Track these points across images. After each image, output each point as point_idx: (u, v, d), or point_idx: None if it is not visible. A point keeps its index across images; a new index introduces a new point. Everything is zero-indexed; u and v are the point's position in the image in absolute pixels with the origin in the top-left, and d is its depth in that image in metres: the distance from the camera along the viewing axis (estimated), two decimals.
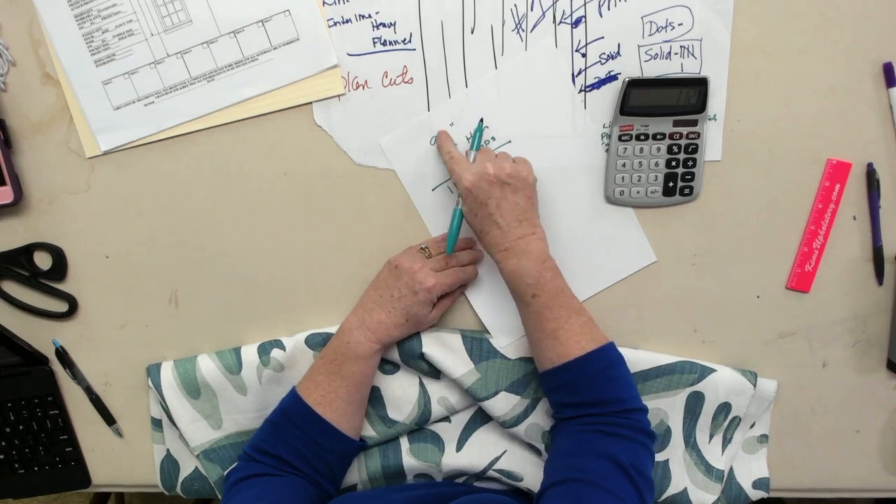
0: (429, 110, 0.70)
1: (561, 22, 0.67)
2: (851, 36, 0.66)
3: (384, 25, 0.68)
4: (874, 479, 0.77)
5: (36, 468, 0.80)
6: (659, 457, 0.74)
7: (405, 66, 0.69)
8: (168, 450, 0.78)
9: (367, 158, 0.71)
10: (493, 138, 0.70)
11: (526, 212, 0.64)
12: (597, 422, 0.60)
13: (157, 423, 0.78)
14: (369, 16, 0.67)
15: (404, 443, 0.75)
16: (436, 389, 0.74)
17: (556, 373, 0.63)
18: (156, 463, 0.79)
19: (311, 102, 0.70)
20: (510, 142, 0.70)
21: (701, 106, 0.66)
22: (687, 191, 0.69)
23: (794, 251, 0.71)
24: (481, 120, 0.68)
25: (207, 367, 0.74)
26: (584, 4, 0.66)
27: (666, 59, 0.67)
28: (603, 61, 0.68)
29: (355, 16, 0.67)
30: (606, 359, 0.62)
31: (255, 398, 0.74)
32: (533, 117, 0.69)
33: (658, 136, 0.68)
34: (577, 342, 0.62)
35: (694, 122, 0.67)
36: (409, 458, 0.74)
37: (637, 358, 0.72)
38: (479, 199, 0.63)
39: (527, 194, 0.64)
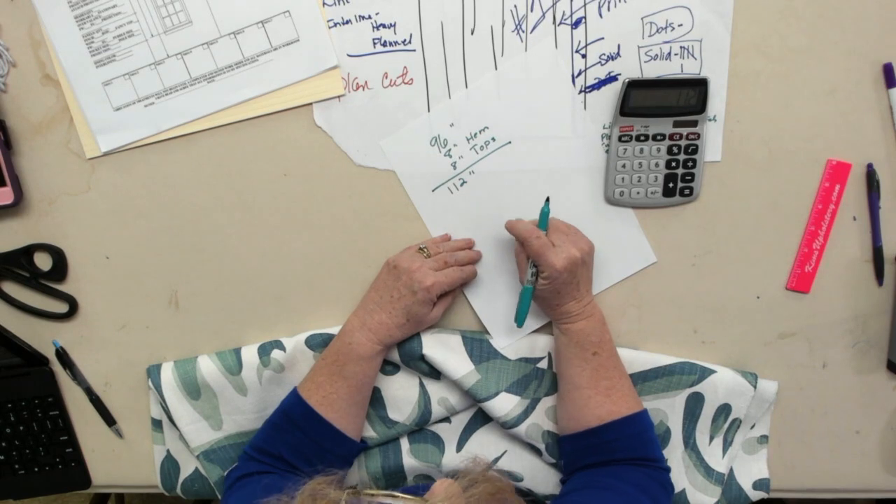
0: (429, 111, 0.70)
1: (561, 23, 0.67)
2: (851, 36, 0.66)
3: (384, 26, 0.68)
4: (874, 480, 0.77)
5: (36, 469, 0.80)
6: None
7: (405, 67, 0.69)
8: (168, 450, 0.78)
9: (367, 159, 0.71)
10: (494, 139, 0.70)
11: (591, 280, 0.69)
12: (633, 467, 0.65)
13: (157, 424, 0.78)
14: (369, 17, 0.67)
15: (404, 443, 0.75)
16: (436, 390, 0.74)
17: (604, 429, 0.66)
18: (156, 463, 0.79)
19: (311, 103, 0.70)
20: (510, 142, 0.70)
21: (701, 106, 0.66)
22: (687, 191, 0.69)
23: (794, 252, 0.71)
24: (547, 199, 0.67)
25: (207, 367, 0.74)
26: (584, 5, 0.66)
27: (666, 59, 0.67)
28: (603, 62, 0.68)
29: (355, 17, 0.67)
30: (649, 421, 0.68)
31: (256, 399, 0.74)
32: (533, 118, 0.69)
33: (658, 137, 0.68)
34: (626, 403, 0.67)
35: (694, 123, 0.67)
36: (410, 459, 0.74)
37: (637, 358, 0.72)
38: (566, 279, 0.64)
39: (592, 263, 0.69)
